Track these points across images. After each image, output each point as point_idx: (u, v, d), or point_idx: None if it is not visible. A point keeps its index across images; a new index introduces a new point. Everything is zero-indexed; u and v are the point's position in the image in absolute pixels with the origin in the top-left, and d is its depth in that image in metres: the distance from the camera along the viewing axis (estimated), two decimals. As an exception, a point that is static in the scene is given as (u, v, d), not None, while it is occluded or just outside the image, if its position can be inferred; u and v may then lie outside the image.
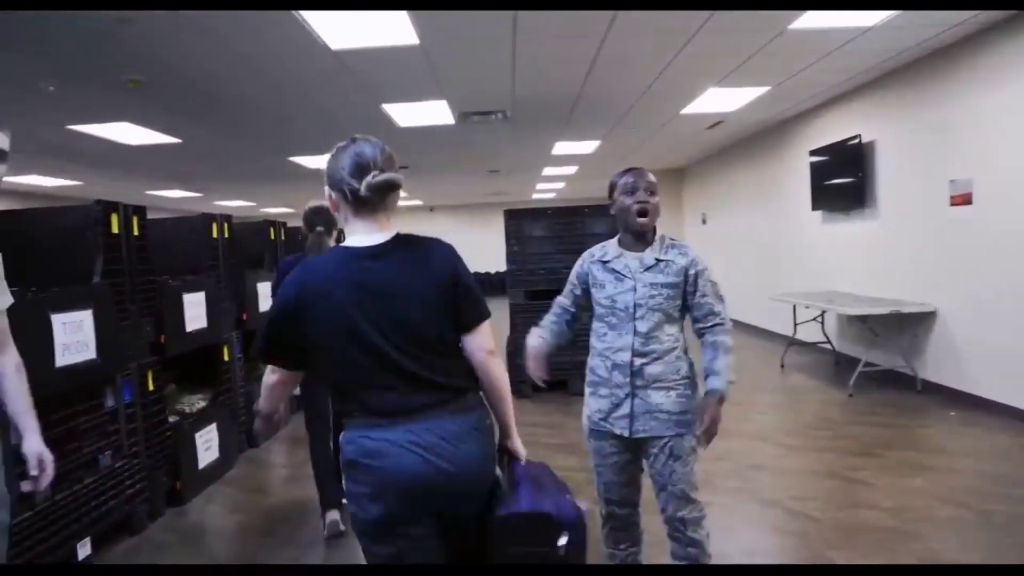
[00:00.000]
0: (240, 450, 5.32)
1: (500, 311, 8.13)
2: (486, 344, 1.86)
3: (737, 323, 11.38)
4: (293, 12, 4.29)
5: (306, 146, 9.36)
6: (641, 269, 2.48)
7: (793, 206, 9.01)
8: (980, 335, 5.61)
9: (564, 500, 1.85)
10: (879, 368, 6.59)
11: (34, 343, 3.06)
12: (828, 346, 7.89)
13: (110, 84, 5.74)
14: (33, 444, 2.07)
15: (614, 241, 2.61)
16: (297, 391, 2.03)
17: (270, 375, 1.88)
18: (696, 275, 2.47)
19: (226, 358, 5.15)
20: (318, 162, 10.06)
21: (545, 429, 5.66)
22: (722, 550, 2.79)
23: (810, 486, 4.24)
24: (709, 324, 2.48)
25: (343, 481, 1.80)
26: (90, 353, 3.46)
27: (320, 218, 3.67)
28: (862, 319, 6.59)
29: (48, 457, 2.08)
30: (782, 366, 7.84)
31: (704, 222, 13.44)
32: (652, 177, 2.53)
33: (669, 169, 14.40)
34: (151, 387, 4.09)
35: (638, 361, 2.45)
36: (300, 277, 1.78)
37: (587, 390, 2.61)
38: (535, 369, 2.57)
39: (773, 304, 8.26)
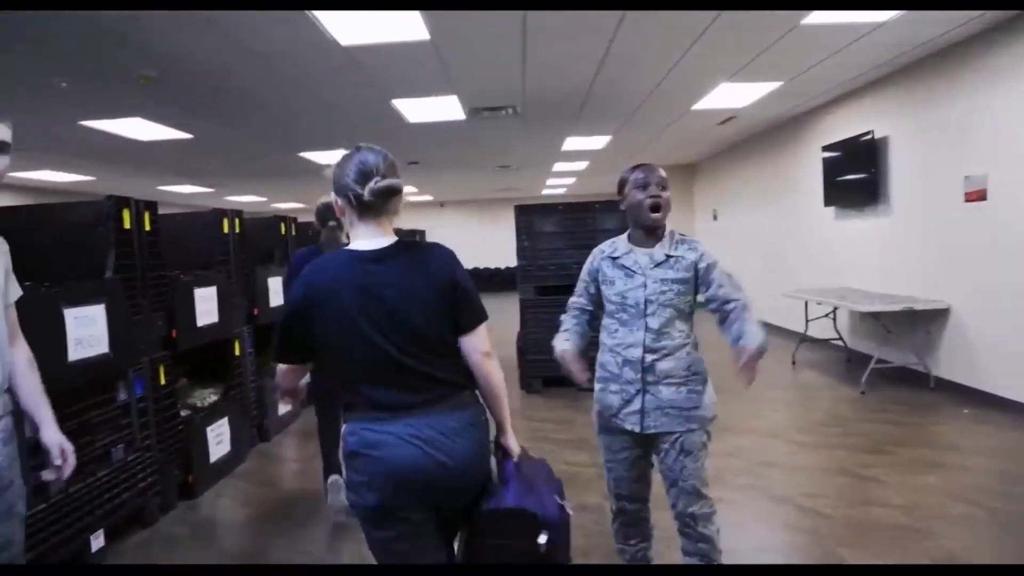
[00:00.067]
0: (251, 444, 5.35)
1: (510, 307, 8.14)
2: (482, 346, 1.95)
3: (748, 319, 11.35)
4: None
5: (316, 142, 9.38)
6: (651, 265, 2.47)
7: (805, 202, 8.95)
8: (994, 332, 5.56)
9: (550, 500, 1.94)
10: (891, 365, 6.54)
11: (47, 337, 3.09)
12: (840, 343, 7.85)
13: (122, 80, 5.76)
14: (53, 434, 2.08)
15: (624, 237, 2.60)
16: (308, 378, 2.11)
17: (282, 364, 2.00)
18: (707, 268, 2.46)
19: (237, 353, 5.17)
20: (328, 158, 10.05)
21: (555, 425, 5.66)
22: (732, 547, 2.78)
23: (821, 483, 4.23)
24: (730, 307, 2.44)
25: (343, 471, 1.90)
26: (102, 347, 3.49)
27: (332, 213, 3.68)
28: (875, 316, 6.55)
29: (69, 447, 2.10)
30: (793, 363, 7.80)
31: (715, 218, 13.39)
32: (663, 172, 2.52)
33: (680, 165, 14.35)
34: (163, 381, 4.12)
35: (649, 357, 2.44)
36: (308, 278, 1.88)
37: (597, 386, 2.60)
38: (578, 372, 2.48)
39: (785, 300, 8.21)
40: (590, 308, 2.66)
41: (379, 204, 1.86)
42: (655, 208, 2.46)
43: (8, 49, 4.93)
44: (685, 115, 8.65)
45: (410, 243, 1.95)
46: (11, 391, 2.04)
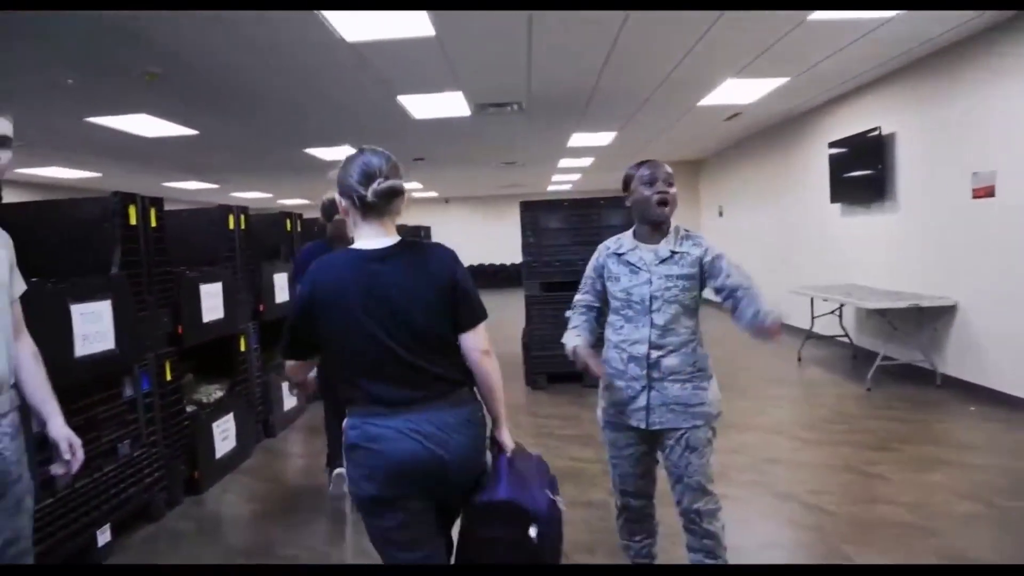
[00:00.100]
0: (257, 440, 5.36)
1: (515, 303, 8.14)
2: (481, 344, 2.00)
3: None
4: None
5: (322, 138, 9.38)
6: (656, 262, 2.47)
7: (811, 199, 8.93)
8: (1002, 329, 5.54)
9: (541, 495, 2.01)
10: (898, 362, 6.52)
11: (54, 333, 3.10)
12: (846, 340, 7.83)
13: (128, 77, 5.77)
14: (61, 428, 2.09)
15: (629, 233, 2.60)
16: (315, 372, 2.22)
17: (289, 362, 2.08)
18: (713, 260, 2.46)
19: (243, 349, 5.18)
20: (334, 154, 10.09)
21: (560, 421, 5.67)
22: (737, 543, 2.78)
23: (826, 480, 4.22)
24: (740, 293, 2.41)
25: (344, 463, 1.98)
26: (109, 343, 3.50)
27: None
28: (881, 313, 6.53)
29: (77, 441, 2.11)
30: (799, 359, 7.79)
31: (721, 215, 13.36)
32: (669, 168, 2.52)
33: (685, 161, 14.32)
34: (169, 377, 4.13)
35: (655, 353, 2.44)
36: (314, 276, 1.94)
37: (602, 382, 2.60)
38: (594, 366, 2.44)
39: (790, 297, 8.19)
40: (597, 305, 2.65)
41: (382, 205, 1.92)
42: (663, 203, 2.46)
43: (14, 46, 4.94)
44: (691, 111, 8.62)
45: (412, 243, 1.99)
46: (17, 386, 2.05)
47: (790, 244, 9.91)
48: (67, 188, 12.48)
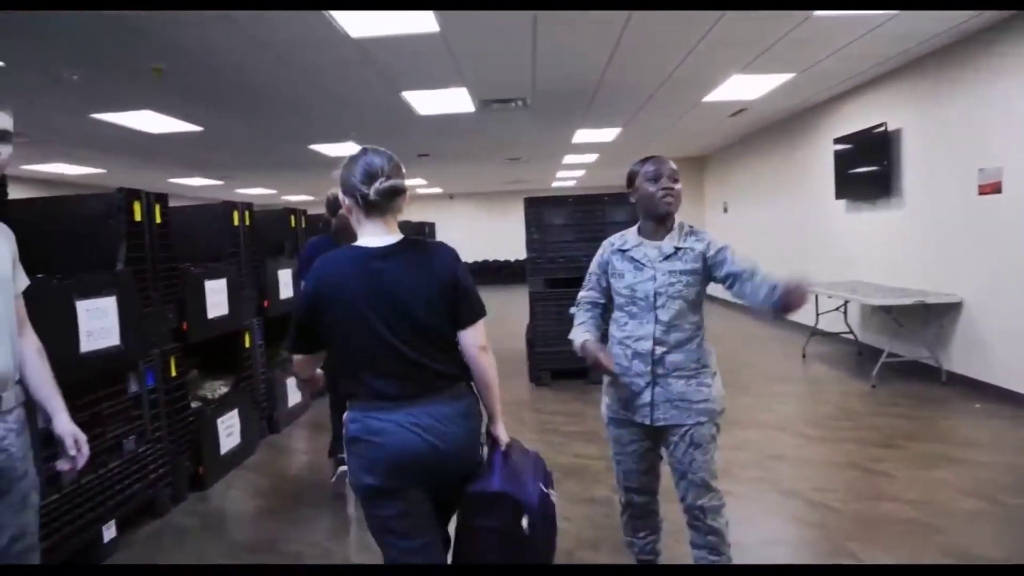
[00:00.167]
0: (261, 436, 5.37)
1: (519, 299, 8.15)
2: (479, 340, 2.07)
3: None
4: (313, -1, 4.30)
5: (326, 134, 9.38)
6: (660, 258, 2.47)
7: (816, 195, 8.90)
8: (1008, 326, 5.52)
9: (533, 488, 2.07)
10: (903, 359, 6.51)
11: (59, 329, 3.11)
12: (851, 336, 7.81)
13: (133, 73, 5.78)
14: (66, 424, 2.10)
15: (633, 230, 2.60)
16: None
17: (296, 356, 2.13)
18: (717, 251, 2.45)
19: (247, 345, 5.19)
20: (338, 150, 10.09)
21: (564, 417, 5.67)
22: (741, 540, 2.78)
23: (831, 477, 4.21)
24: (747, 275, 2.37)
25: (345, 455, 2.04)
26: (114, 339, 3.51)
27: None
28: (886, 309, 6.51)
29: (82, 436, 2.12)
30: (803, 356, 7.77)
31: (725, 211, 13.33)
32: (673, 164, 2.51)
33: (690, 157, 14.29)
34: (174, 373, 4.14)
35: (659, 349, 2.44)
36: (318, 272, 2.00)
37: (606, 378, 2.60)
38: (605, 361, 2.40)
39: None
40: (602, 301, 2.65)
41: (384, 203, 1.98)
42: (667, 199, 2.45)
43: (19, 43, 4.95)
44: (696, 107, 8.60)
45: (415, 241, 2.05)
46: (21, 382, 2.05)
47: (795, 241, 9.89)
48: (72, 184, 12.52)
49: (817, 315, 7.86)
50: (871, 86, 7.51)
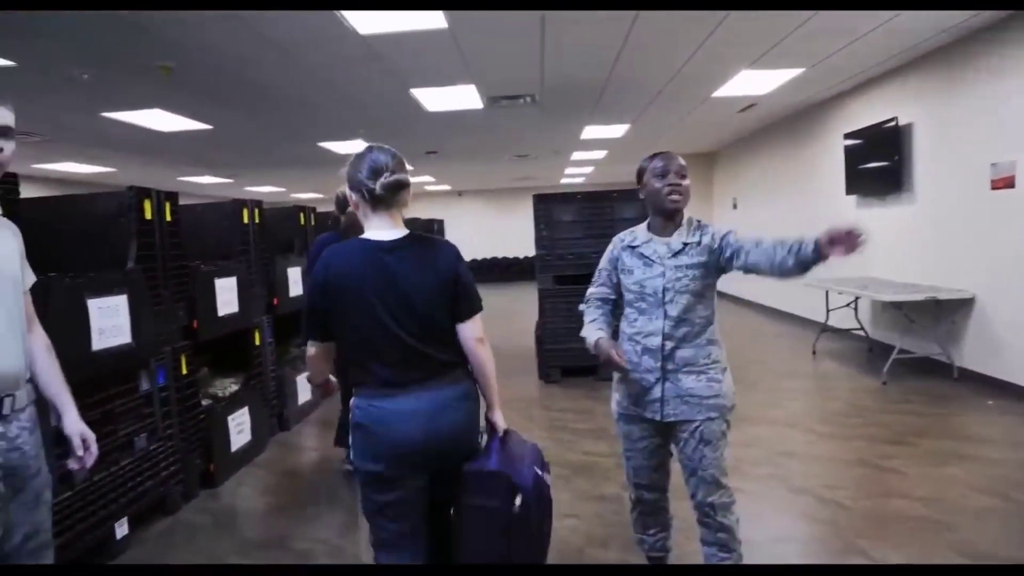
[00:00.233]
0: (271, 433, 5.39)
1: (529, 296, 8.14)
2: (477, 332, 2.18)
3: (768, 309, 11.27)
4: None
5: (335, 132, 9.40)
6: (669, 254, 2.46)
7: (827, 191, 8.85)
8: (1021, 322, 5.47)
9: (528, 470, 2.16)
10: (914, 356, 6.47)
11: (71, 327, 3.13)
12: (861, 333, 7.77)
13: (142, 71, 5.80)
14: (75, 423, 2.11)
15: (643, 226, 2.59)
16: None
17: (310, 348, 2.22)
18: (724, 236, 2.43)
19: (257, 342, 5.21)
20: (347, 148, 10.11)
21: (574, 414, 5.66)
22: (751, 537, 2.77)
23: (841, 474, 4.19)
24: (757, 242, 2.34)
25: (350, 439, 2.14)
26: (125, 337, 3.53)
27: None
28: (897, 305, 6.47)
29: (91, 435, 2.13)
30: (814, 353, 7.74)
31: (735, 207, 13.27)
32: (682, 160, 2.50)
33: (699, 153, 14.24)
34: (184, 371, 4.16)
35: (669, 345, 2.44)
36: (327, 260, 2.11)
37: (616, 375, 2.59)
38: (617, 358, 2.38)
39: (805, 290, 8.14)
40: (613, 297, 2.64)
41: (389, 197, 2.08)
42: (674, 194, 2.44)
43: (29, 42, 4.98)
44: (705, 103, 8.57)
45: (420, 236, 2.16)
46: (31, 379, 2.06)
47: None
48: (84, 183, 12.60)
49: (828, 311, 7.83)
50: (881, 81, 7.46)
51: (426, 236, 2.20)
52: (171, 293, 4.10)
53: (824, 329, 7.90)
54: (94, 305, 3.30)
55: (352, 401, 2.13)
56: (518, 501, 2.08)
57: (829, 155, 8.73)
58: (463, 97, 7.46)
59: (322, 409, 6.20)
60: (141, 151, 9.87)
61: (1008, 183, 5.53)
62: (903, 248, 7.14)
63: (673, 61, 6.47)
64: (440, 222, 12.91)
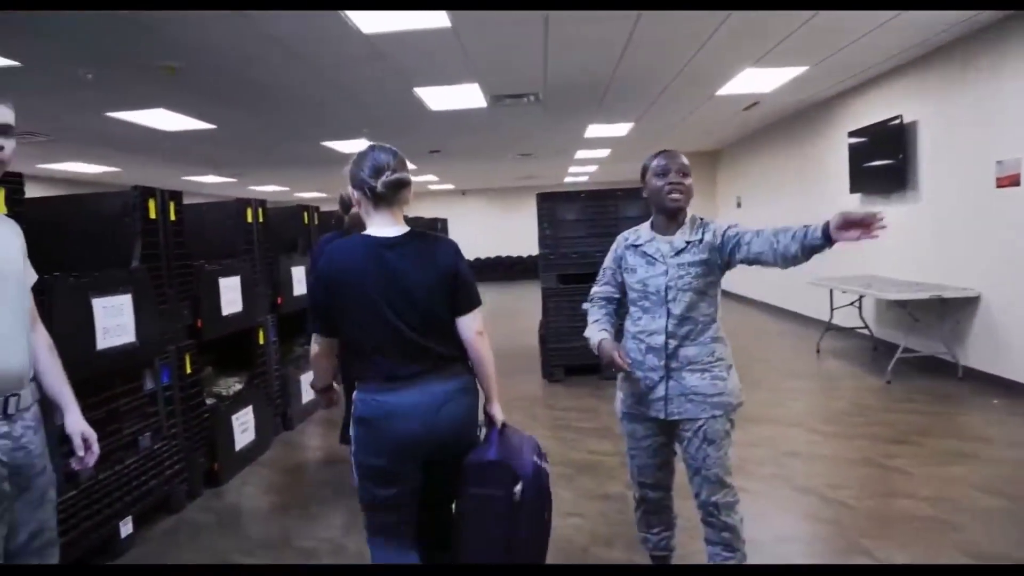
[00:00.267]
0: (275, 432, 5.40)
1: (532, 295, 8.15)
2: (476, 326, 2.23)
3: (772, 307, 11.26)
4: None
5: (339, 131, 9.40)
6: (672, 253, 2.46)
7: (831, 189, 8.83)
8: (1025, 321, 5.46)
9: (528, 460, 2.20)
10: (919, 354, 6.46)
11: (76, 326, 3.14)
12: (866, 331, 7.75)
13: (146, 71, 5.81)
14: (77, 423, 2.12)
15: (646, 225, 2.59)
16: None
17: (313, 345, 2.27)
18: (725, 230, 2.42)
19: (261, 342, 5.22)
20: (351, 147, 10.11)
21: (578, 413, 5.66)
22: (755, 536, 2.77)
23: (845, 473, 4.19)
24: (758, 232, 2.32)
25: (351, 431, 2.19)
26: (129, 336, 3.53)
27: None
28: (902, 304, 6.46)
29: (92, 434, 2.13)
30: (818, 351, 7.73)
31: (739, 205, 13.25)
32: (684, 159, 2.50)
33: (703, 152, 14.22)
34: (188, 370, 4.17)
35: (672, 343, 2.43)
36: (330, 254, 2.17)
37: (620, 373, 2.59)
38: (619, 359, 2.37)
39: (809, 288, 8.12)
40: (617, 296, 2.64)
41: (391, 195, 2.14)
42: (675, 193, 2.44)
43: (33, 42, 4.99)
44: (709, 101, 8.56)
45: (421, 233, 2.22)
46: (35, 378, 2.07)
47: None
48: (88, 183, 12.63)
49: (832, 310, 7.81)
50: (886, 78, 7.44)
51: (427, 233, 2.25)
52: (175, 292, 4.11)
53: (828, 328, 7.89)
54: (99, 304, 3.31)
55: (355, 395, 2.17)
56: (518, 489, 2.12)
57: (833, 153, 8.71)
58: (466, 96, 7.46)
59: (325, 409, 6.20)
60: (145, 151, 9.89)
61: (1013, 181, 5.51)
62: (908, 246, 7.12)
63: (676, 59, 6.46)
64: (444, 221, 12.92)
